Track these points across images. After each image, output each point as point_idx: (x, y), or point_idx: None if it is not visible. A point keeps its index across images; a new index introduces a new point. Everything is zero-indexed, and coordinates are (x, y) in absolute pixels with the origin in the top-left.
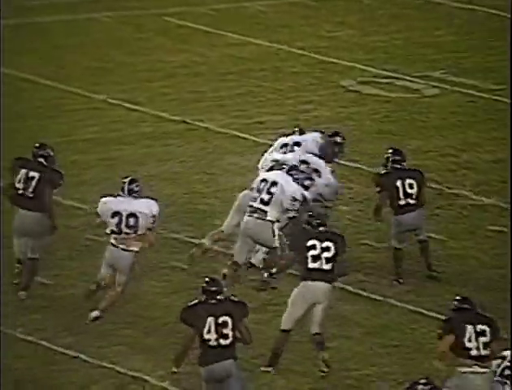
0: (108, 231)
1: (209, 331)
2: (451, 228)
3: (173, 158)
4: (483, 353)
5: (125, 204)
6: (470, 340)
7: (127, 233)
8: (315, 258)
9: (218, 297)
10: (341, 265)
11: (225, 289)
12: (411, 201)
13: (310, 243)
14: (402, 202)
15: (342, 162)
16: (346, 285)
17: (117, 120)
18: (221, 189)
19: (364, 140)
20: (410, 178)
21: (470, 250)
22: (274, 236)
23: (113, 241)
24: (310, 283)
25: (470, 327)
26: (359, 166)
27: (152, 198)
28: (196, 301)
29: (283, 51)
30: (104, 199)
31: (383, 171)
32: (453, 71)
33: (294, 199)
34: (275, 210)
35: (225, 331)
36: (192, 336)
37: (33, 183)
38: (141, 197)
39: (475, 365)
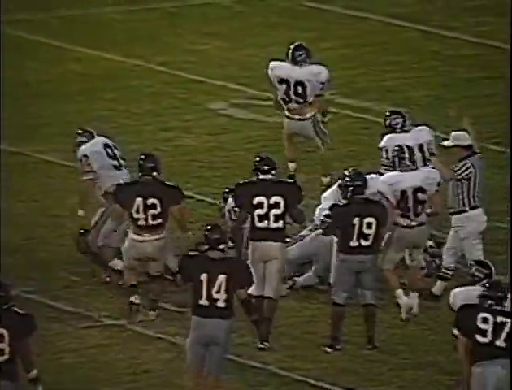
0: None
1: None
2: None
3: (9, 197)
4: (152, 223)
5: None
6: (138, 212)
7: (297, 101)
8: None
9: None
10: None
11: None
12: (365, 243)
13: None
14: (354, 244)
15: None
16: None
17: None
18: (67, 234)
19: (238, 176)
20: (370, 216)
21: None
22: None
23: (288, 114)
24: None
25: (138, 200)
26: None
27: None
28: None
29: (139, 67)
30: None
31: (340, 202)
32: (343, 92)
33: None
34: None
35: (1, 345)
36: None
37: None
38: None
39: (146, 233)
